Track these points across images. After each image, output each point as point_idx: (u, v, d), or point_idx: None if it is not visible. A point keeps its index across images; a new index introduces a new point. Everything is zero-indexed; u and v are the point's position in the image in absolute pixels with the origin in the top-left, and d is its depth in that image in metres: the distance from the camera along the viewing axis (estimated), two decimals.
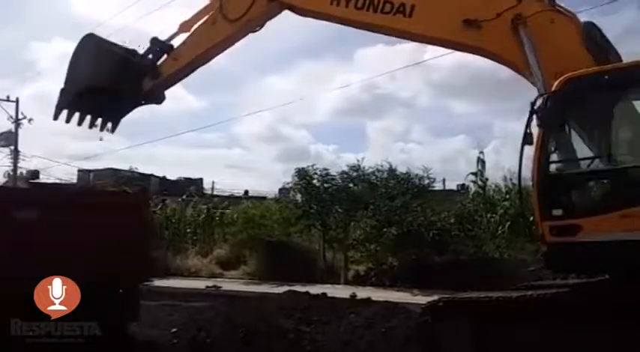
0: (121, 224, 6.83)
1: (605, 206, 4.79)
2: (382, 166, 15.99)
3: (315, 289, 10.80)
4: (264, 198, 22.91)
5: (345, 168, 16.17)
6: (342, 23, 7.52)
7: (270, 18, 7.86)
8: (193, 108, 68.68)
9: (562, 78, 5.06)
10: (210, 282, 14.46)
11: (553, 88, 5.03)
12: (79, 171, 34.97)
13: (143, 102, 8.64)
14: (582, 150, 5.42)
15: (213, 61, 8.44)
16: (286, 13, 7.67)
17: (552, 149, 5.05)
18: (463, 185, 18.56)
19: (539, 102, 5.06)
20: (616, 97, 5.14)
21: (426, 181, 15.82)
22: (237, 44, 8.35)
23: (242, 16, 7.61)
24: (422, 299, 7.30)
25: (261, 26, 7.89)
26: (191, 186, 25.42)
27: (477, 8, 6.03)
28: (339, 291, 11.22)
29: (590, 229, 4.68)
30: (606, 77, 5.01)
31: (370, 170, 15.99)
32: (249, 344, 6.71)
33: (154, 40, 8.41)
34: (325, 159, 73.21)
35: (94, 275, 6.15)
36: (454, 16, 6.12)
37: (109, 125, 8.80)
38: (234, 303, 9.13)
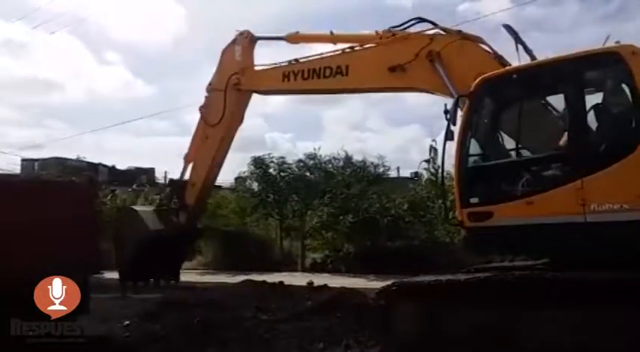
0: (67, 215, 6.59)
1: (513, 193, 5.29)
2: (338, 155, 16.20)
3: (272, 277, 10.82)
4: (219, 187, 22.53)
5: (302, 157, 16.24)
6: (296, 93, 9.28)
7: (245, 107, 9.40)
8: (142, 94, 66.48)
9: (478, 79, 5.51)
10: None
11: (471, 89, 5.45)
12: (23, 160, 33.44)
13: (187, 242, 10.12)
14: (497, 144, 5.97)
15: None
16: None
17: (470, 144, 5.55)
18: (416, 173, 19.02)
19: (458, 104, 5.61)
20: (522, 94, 5.69)
21: (381, 169, 16.24)
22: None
23: (222, 116, 8.99)
24: (377, 284, 7.46)
25: (242, 117, 9.50)
26: (142, 176, 24.67)
27: (398, 55, 7.04)
28: (296, 279, 11.29)
29: (500, 215, 5.19)
30: (514, 76, 5.49)
31: (326, 158, 16.15)
32: (205, 334, 6.65)
33: (171, 182, 10.15)
34: (281, 147, 72.95)
35: (41, 267, 5.94)
36: (381, 66, 7.14)
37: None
38: (190, 294, 9.00)
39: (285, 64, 8.44)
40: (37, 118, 69.80)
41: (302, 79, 8.09)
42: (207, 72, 9.74)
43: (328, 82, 7.86)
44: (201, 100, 9.66)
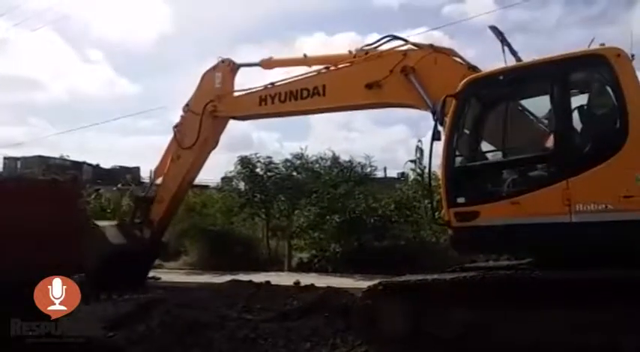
0: (51, 214, 6.53)
1: (499, 194, 5.34)
2: (325, 155, 16.18)
3: (258, 277, 10.77)
4: (205, 186, 22.43)
5: (289, 157, 16.19)
6: (274, 117, 9.22)
7: (221, 132, 9.43)
8: (126, 93, 65.84)
9: (465, 80, 5.57)
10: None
11: (457, 89, 5.50)
12: (5, 158, 33.02)
13: (150, 256, 9.88)
14: (484, 144, 6.04)
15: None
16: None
17: (457, 144, 5.53)
18: (403, 173, 19.10)
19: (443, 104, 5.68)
20: (508, 95, 5.72)
21: (368, 169, 16.23)
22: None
23: (196, 140, 9.01)
24: (363, 284, 7.48)
25: (217, 142, 9.57)
26: (127, 175, 24.41)
27: (373, 72, 7.24)
28: (283, 279, 11.27)
29: (486, 214, 5.23)
30: (501, 77, 5.54)
31: (313, 158, 16.12)
32: (189, 335, 6.61)
33: (136, 198, 9.90)
34: (268, 147, 72.93)
35: (23, 267, 5.87)
36: (358, 84, 7.33)
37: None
38: (175, 294, 8.92)
39: (261, 88, 8.49)
40: (19, 116, 68.64)
41: (279, 101, 8.20)
42: (192, 71, 9.73)
43: (306, 103, 7.99)
44: (187, 97, 9.57)
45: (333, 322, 7.06)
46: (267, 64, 8.85)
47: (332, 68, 7.84)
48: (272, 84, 8.37)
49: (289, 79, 8.25)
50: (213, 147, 9.52)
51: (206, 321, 7.03)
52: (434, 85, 6.57)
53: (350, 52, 7.79)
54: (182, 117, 9.43)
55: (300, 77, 8.12)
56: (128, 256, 8.66)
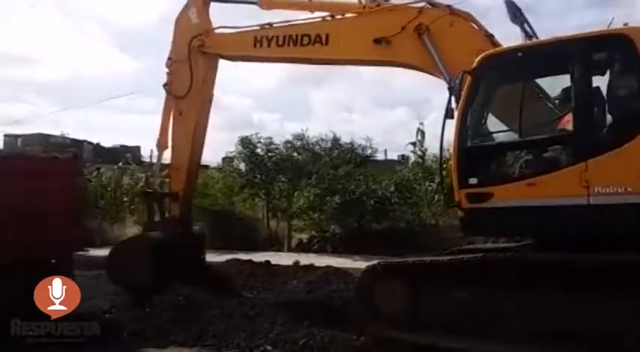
0: (51, 191, 6.54)
1: (514, 175, 5.20)
2: (326, 136, 16.12)
3: (258, 257, 10.87)
4: (206, 166, 22.40)
5: (289, 138, 16.14)
6: (269, 61, 8.36)
7: (215, 72, 8.53)
8: (127, 71, 65.32)
9: (480, 56, 5.37)
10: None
11: (473, 65, 5.31)
12: (6, 136, 32.98)
13: (194, 242, 8.83)
14: (498, 123, 5.83)
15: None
16: None
17: (470, 123, 5.39)
18: (403, 155, 19.07)
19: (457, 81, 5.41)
20: (527, 73, 5.51)
21: (369, 151, 16.21)
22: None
23: (191, 85, 8.21)
24: (362, 264, 7.53)
25: (213, 86, 8.57)
26: (127, 154, 24.39)
27: (383, 26, 6.64)
28: (283, 259, 11.35)
29: (500, 196, 5.06)
30: (519, 54, 5.35)
31: (314, 139, 16.07)
32: (189, 312, 6.68)
33: (145, 194, 9.22)
34: (269, 128, 72.78)
35: (23, 245, 5.90)
36: (365, 37, 6.72)
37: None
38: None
39: (257, 27, 7.68)
40: (18, 94, 68.31)
41: (277, 45, 7.44)
42: None
43: (306, 50, 7.27)
44: None
45: (332, 301, 7.13)
46: (266, 2, 7.93)
47: (338, 17, 7.21)
48: (270, 24, 7.58)
49: (290, 21, 7.49)
50: (211, 92, 8.81)
51: (205, 300, 7.10)
52: (448, 49, 6.12)
53: (359, 1, 7.12)
54: (168, 73, 8.62)
55: (301, 21, 7.39)
56: (171, 249, 7.87)
